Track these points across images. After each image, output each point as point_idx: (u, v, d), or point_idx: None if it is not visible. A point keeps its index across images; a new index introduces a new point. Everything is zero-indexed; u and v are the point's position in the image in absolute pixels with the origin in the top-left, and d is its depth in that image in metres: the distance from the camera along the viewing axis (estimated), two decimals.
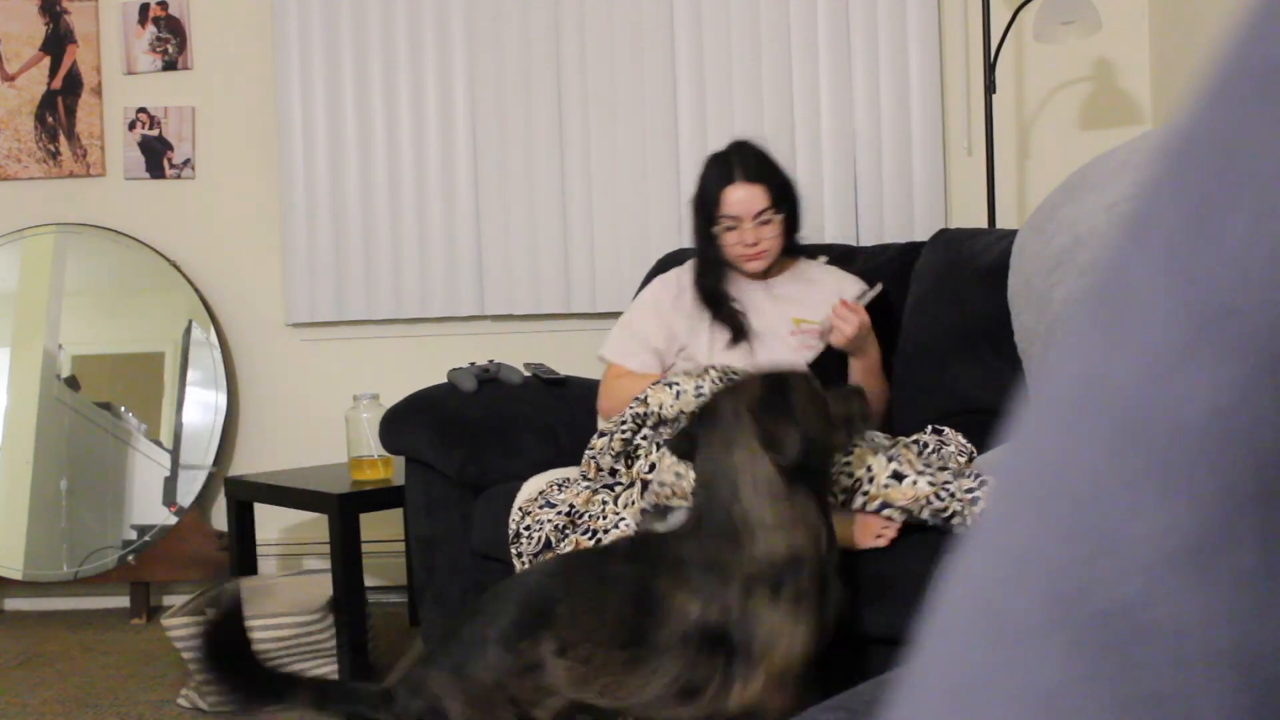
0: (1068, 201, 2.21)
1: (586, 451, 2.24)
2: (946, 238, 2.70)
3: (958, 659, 0.26)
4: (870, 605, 1.84)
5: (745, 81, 3.36)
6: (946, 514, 1.85)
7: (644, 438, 2.16)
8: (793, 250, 2.53)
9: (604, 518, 2.07)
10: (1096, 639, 0.23)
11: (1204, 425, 0.23)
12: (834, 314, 2.38)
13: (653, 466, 2.07)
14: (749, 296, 2.51)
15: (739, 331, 2.45)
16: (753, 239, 2.42)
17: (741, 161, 2.43)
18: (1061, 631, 0.24)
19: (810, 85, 3.35)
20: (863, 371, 2.44)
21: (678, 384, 2.18)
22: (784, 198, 2.45)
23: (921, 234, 3.10)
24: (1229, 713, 0.22)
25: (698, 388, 2.15)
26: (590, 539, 2.06)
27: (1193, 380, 0.23)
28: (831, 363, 2.44)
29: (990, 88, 3.10)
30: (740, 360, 2.40)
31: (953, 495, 1.85)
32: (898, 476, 1.87)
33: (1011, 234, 2.51)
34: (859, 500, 1.89)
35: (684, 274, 2.57)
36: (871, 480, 1.88)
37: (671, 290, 2.56)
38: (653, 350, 2.51)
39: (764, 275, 2.52)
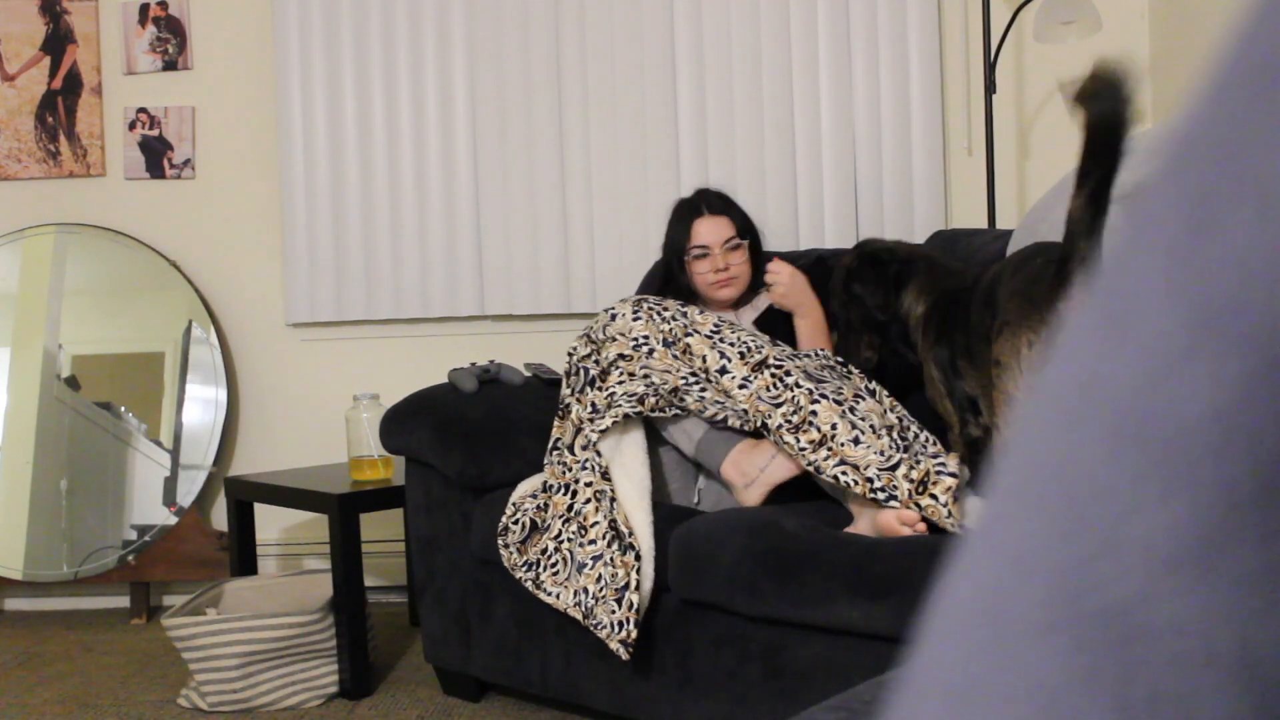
0: (1060, 203, 2.21)
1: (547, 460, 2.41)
2: (943, 237, 2.71)
3: (958, 659, 0.26)
4: (870, 605, 1.85)
5: (745, 81, 3.36)
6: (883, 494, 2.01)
7: (570, 389, 2.35)
8: (756, 286, 2.74)
9: (569, 469, 2.27)
10: (1096, 639, 0.23)
11: (1204, 425, 0.23)
12: (767, 271, 2.63)
13: (593, 405, 2.27)
14: None
15: None
16: (723, 264, 2.63)
17: (705, 199, 2.71)
18: (1061, 632, 0.24)
19: (810, 85, 3.35)
20: (809, 329, 2.60)
21: (616, 310, 2.39)
22: (747, 229, 2.70)
23: (922, 234, 3.10)
24: (1229, 713, 0.22)
25: (634, 313, 2.34)
26: (565, 494, 2.25)
27: (1193, 380, 0.23)
28: (777, 323, 2.64)
29: (990, 88, 3.10)
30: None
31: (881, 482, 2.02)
32: (856, 441, 2.04)
33: (1007, 234, 2.52)
34: (823, 453, 2.04)
35: None
36: (834, 438, 2.05)
37: None
38: None
39: (732, 306, 2.70)
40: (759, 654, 2.01)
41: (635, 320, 2.32)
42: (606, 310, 2.40)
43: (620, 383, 2.21)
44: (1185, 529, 0.23)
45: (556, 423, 2.37)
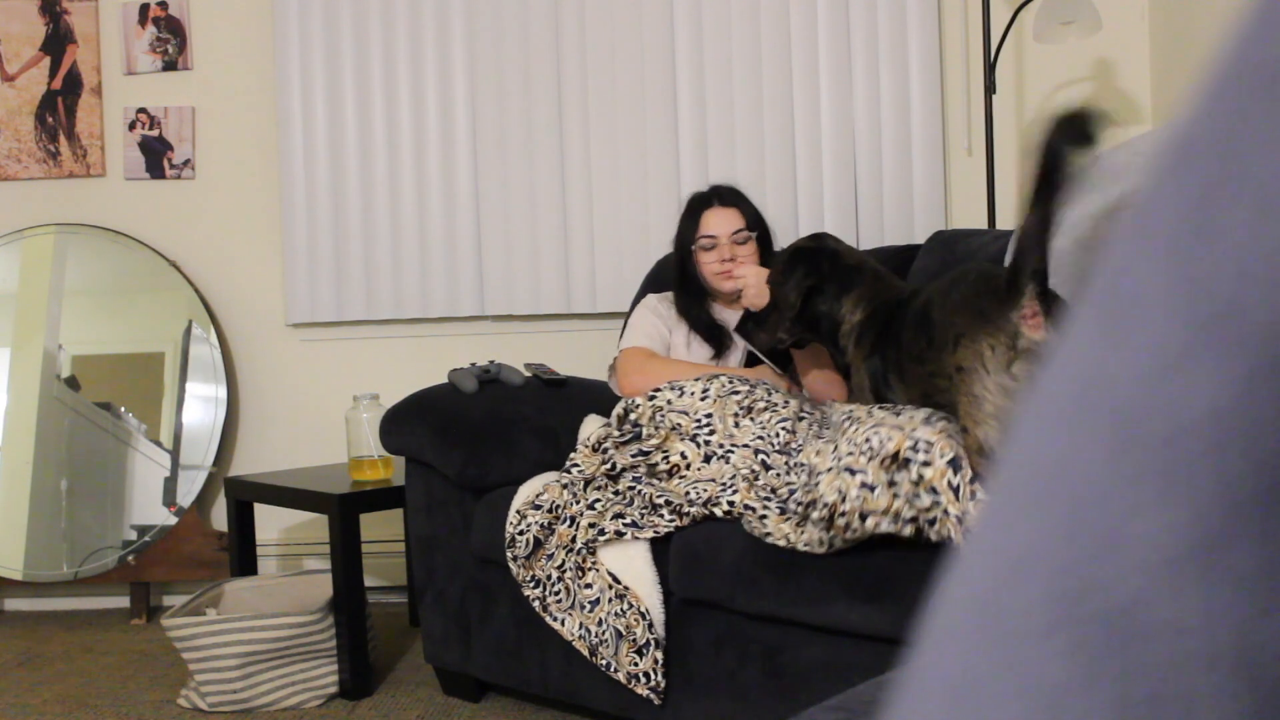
0: (1067, 205, 2.21)
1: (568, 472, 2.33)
2: (943, 238, 2.71)
3: (958, 659, 0.26)
4: (870, 605, 1.85)
5: (745, 82, 3.36)
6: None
7: (620, 431, 2.29)
8: None
9: (576, 503, 2.22)
10: (1096, 639, 0.23)
11: (1203, 425, 0.23)
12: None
13: (613, 466, 2.23)
14: (723, 318, 2.69)
15: (717, 340, 2.66)
16: (729, 255, 2.62)
17: (717, 191, 2.71)
18: (1061, 632, 0.24)
19: (810, 85, 3.35)
20: (810, 356, 2.51)
21: (685, 387, 2.31)
22: (757, 223, 2.68)
23: (921, 234, 3.10)
24: (1229, 713, 0.22)
25: (704, 391, 2.27)
26: (569, 526, 2.21)
27: (1192, 380, 0.23)
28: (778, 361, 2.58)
29: (990, 88, 3.10)
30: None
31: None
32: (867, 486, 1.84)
33: (1007, 234, 2.52)
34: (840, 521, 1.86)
35: (668, 296, 2.78)
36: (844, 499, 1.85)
37: (663, 302, 2.76)
38: (656, 333, 2.69)
39: (738, 300, 2.65)
40: (759, 654, 2.01)
41: (703, 399, 2.25)
42: (673, 386, 2.31)
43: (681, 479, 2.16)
44: (1185, 529, 0.23)
45: (586, 451, 2.30)
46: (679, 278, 2.72)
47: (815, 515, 1.87)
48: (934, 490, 1.78)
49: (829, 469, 1.87)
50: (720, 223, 2.64)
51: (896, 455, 1.81)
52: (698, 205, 2.69)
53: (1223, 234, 0.23)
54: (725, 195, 2.69)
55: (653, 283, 2.96)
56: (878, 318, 2.22)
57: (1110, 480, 0.24)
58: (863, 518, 1.81)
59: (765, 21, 3.36)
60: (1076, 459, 0.25)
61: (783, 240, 3.04)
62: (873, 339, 2.21)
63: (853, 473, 1.83)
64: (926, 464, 1.78)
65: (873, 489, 1.81)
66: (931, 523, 1.79)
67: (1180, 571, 0.23)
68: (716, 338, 2.66)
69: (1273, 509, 0.22)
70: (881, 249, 2.88)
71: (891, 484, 1.80)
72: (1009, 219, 3.27)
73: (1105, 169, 2.17)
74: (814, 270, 2.32)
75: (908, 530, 1.80)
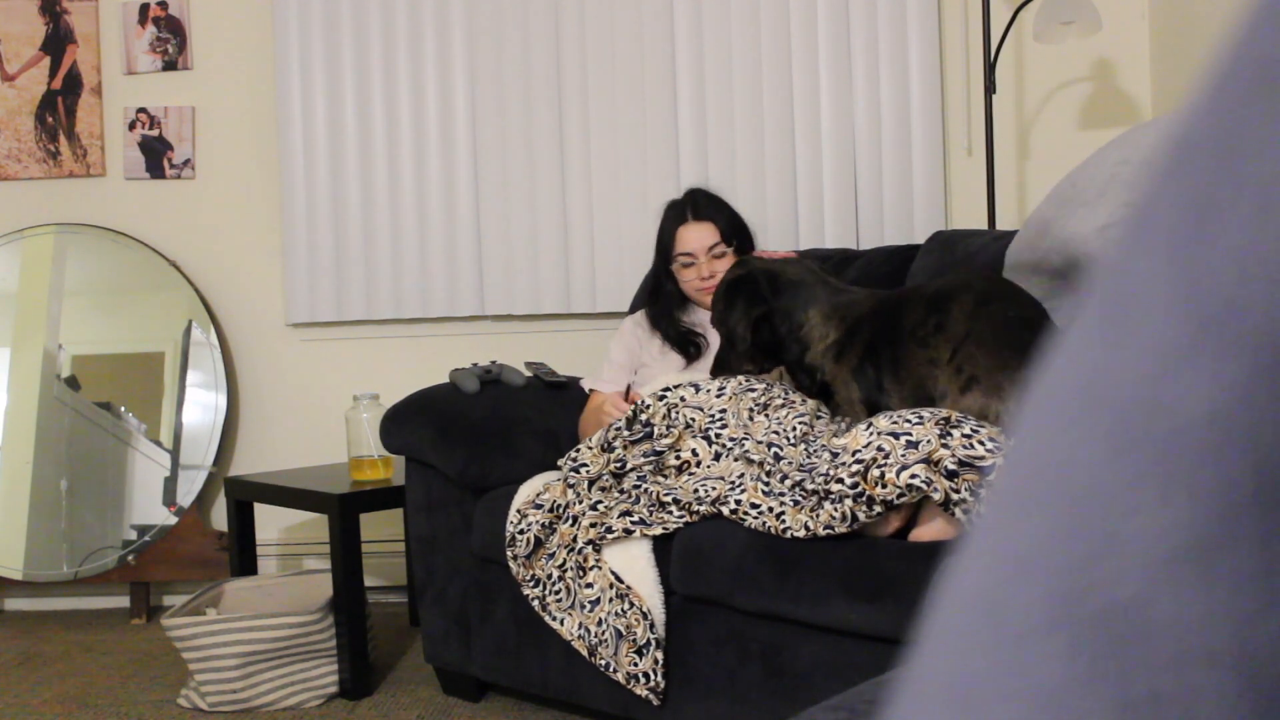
0: (1060, 216, 2.20)
1: (569, 473, 2.30)
2: (942, 238, 2.71)
3: (958, 659, 0.26)
4: (870, 605, 1.85)
5: (745, 82, 3.36)
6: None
7: (620, 436, 2.28)
8: None
9: (579, 502, 2.22)
10: (1097, 639, 0.23)
11: (1204, 425, 0.23)
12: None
13: (622, 465, 2.22)
14: (693, 320, 2.70)
15: (691, 349, 2.64)
16: (708, 272, 2.60)
17: (693, 203, 2.66)
18: (1061, 631, 0.24)
19: (810, 85, 3.35)
20: None
21: (700, 384, 2.30)
22: (735, 233, 2.65)
23: (921, 235, 3.10)
24: (1229, 713, 0.22)
25: (720, 389, 2.26)
26: (571, 525, 2.21)
27: (1193, 380, 0.23)
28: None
29: (990, 88, 3.10)
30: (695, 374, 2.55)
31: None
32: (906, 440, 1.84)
33: (1007, 235, 2.51)
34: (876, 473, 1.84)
35: (644, 315, 2.77)
36: (888, 457, 1.83)
37: (640, 323, 2.75)
38: (620, 367, 2.70)
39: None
40: (759, 654, 2.01)
41: (719, 396, 2.23)
42: (689, 384, 2.30)
43: (682, 483, 2.14)
44: (1185, 529, 0.23)
45: (593, 450, 2.28)
46: (652, 290, 2.73)
47: (845, 473, 1.85)
48: (994, 440, 1.80)
49: (865, 444, 1.87)
50: (696, 239, 2.61)
51: (948, 419, 1.84)
52: (673, 219, 2.66)
53: (1223, 234, 0.23)
54: (700, 206, 2.65)
55: (641, 295, 2.96)
56: (861, 331, 2.20)
57: (1110, 480, 0.24)
58: (899, 472, 1.79)
59: (765, 21, 3.36)
60: (1076, 459, 0.25)
61: (775, 241, 3.05)
62: (860, 350, 2.19)
63: (896, 436, 1.84)
64: (981, 427, 1.83)
65: (917, 444, 1.81)
66: (985, 472, 1.77)
67: (1180, 571, 0.23)
68: (685, 345, 2.65)
69: (1272, 510, 0.22)
70: (881, 249, 2.88)
71: (943, 436, 1.81)
72: (1009, 219, 3.27)
73: (1093, 179, 2.16)
74: (756, 298, 2.27)
75: (938, 494, 1.78)
